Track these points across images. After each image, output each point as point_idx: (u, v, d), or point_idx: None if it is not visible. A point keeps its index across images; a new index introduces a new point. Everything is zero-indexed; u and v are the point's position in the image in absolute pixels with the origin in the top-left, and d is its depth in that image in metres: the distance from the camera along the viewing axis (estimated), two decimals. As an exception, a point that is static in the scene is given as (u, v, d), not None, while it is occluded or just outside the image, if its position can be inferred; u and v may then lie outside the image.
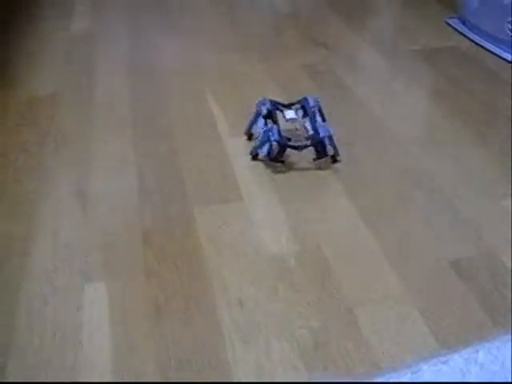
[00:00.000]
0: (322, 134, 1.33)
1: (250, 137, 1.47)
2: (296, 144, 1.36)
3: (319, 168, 1.37)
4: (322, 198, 1.27)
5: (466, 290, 1.03)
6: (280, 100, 1.48)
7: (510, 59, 1.97)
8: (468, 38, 2.15)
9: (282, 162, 1.37)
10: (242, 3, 2.50)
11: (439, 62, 1.96)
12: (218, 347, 0.91)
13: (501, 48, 2.01)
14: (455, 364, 0.88)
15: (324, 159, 1.37)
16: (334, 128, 1.38)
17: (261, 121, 1.40)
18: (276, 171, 1.35)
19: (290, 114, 1.41)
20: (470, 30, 2.17)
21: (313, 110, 1.42)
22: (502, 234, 1.17)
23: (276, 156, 1.34)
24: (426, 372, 0.87)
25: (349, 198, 1.26)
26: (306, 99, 1.44)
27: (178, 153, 1.41)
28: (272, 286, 1.02)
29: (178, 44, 2.05)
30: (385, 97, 1.72)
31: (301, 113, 1.45)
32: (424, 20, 2.34)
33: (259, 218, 1.20)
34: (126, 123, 1.54)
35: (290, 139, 1.35)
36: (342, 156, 1.40)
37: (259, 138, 1.38)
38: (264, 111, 1.39)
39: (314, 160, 1.37)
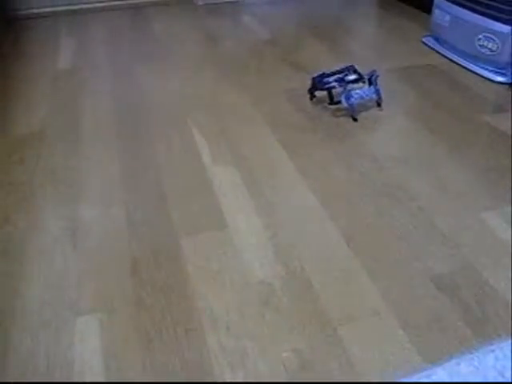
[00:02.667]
0: (332, 85, 1.78)
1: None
2: (322, 85, 1.81)
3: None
4: (303, 221, 1.30)
5: (448, 304, 1.06)
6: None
7: (482, 74, 2.04)
8: (443, 56, 2.22)
9: (314, 96, 1.86)
10: (222, 32, 2.57)
11: (415, 79, 2.03)
12: (206, 373, 0.93)
13: (473, 63, 2.09)
14: (438, 378, 0.91)
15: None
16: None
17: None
18: (260, 196, 1.38)
19: (350, 76, 1.81)
20: (444, 47, 2.25)
21: (364, 77, 1.81)
22: (481, 247, 1.20)
23: (311, 89, 1.85)
24: (411, 387, 0.90)
25: (330, 219, 1.29)
26: (368, 72, 1.84)
27: (164, 184, 1.45)
28: (258, 310, 1.05)
29: (160, 75, 2.10)
30: (363, 116, 1.77)
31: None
32: (400, 40, 2.41)
33: (244, 244, 1.23)
34: (113, 157, 1.57)
35: (322, 83, 1.80)
36: (317, 178, 1.44)
37: None
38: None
39: (329, 104, 1.81)
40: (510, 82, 1.97)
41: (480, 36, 2.02)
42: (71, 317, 1.06)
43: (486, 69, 2.04)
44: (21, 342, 1.01)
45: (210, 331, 1.01)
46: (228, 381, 0.92)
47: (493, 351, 0.95)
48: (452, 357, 0.95)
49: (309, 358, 0.95)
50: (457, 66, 2.12)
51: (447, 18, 2.19)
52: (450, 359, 0.94)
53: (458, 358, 0.95)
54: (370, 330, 1.00)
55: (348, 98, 1.74)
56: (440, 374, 0.92)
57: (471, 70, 2.08)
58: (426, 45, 2.34)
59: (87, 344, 1.00)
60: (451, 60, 2.18)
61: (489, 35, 1.98)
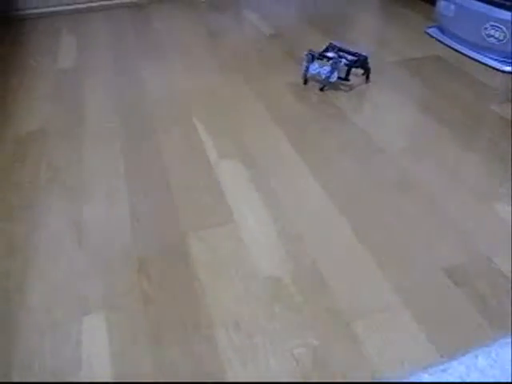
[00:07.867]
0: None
1: (305, 81, 1.91)
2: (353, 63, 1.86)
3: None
4: (311, 214, 1.28)
5: (462, 296, 1.03)
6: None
7: (489, 64, 2.00)
8: (448, 46, 2.19)
9: (348, 80, 1.86)
10: (224, 27, 2.55)
11: (421, 71, 2.00)
12: (217, 370, 0.91)
13: (479, 53, 2.05)
14: (455, 371, 0.89)
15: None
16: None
17: (313, 65, 1.84)
18: (267, 190, 1.36)
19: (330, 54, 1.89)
20: (449, 38, 2.22)
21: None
22: (493, 237, 1.18)
23: (345, 76, 1.84)
24: (427, 381, 0.87)
25: (340, 212, 1.27)
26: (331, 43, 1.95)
27: (169, 180, 1.42)
28: (268, 305, 1.03)
29: (162, 72, 2.08)
30: (369, 109, 1.75)
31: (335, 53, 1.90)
32: (404, 31, 2.38)
33: (252, 238, 1.20)
34: (116, 154, 1.55)
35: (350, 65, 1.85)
36: (323, 170, 1.42)
37: (324, 73, 1.82)
38: (316, 56, 1.86)
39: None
40: (517, 71, 1.94)
41: (486, 25, 1.98)
42: (78, 315, 1.04)
43: (493, 58, 2.01)
44: (27, 340, 0.99)
45: (219, 327, 0.99)
46: (240, 379, 0.90)
47: (510, 343, 0.93)
48: (469, 350, 0.92)
49: (322, 354, 0.93)
50: (463, 57, 2.09)
51: (452, 7, 2.16)
52: (466, 352, 0.92)
53: (475, 351, 0.92)
54: (383, 324, 0.98)
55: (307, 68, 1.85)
56: (457, 367, 0.89)
57: (478, 60, 2.05)
58: (430, 36, 2.31)
59: (95, 342, 0.98)
60: (457, 50, 2.14)
61: (495, 24, 1.95)
